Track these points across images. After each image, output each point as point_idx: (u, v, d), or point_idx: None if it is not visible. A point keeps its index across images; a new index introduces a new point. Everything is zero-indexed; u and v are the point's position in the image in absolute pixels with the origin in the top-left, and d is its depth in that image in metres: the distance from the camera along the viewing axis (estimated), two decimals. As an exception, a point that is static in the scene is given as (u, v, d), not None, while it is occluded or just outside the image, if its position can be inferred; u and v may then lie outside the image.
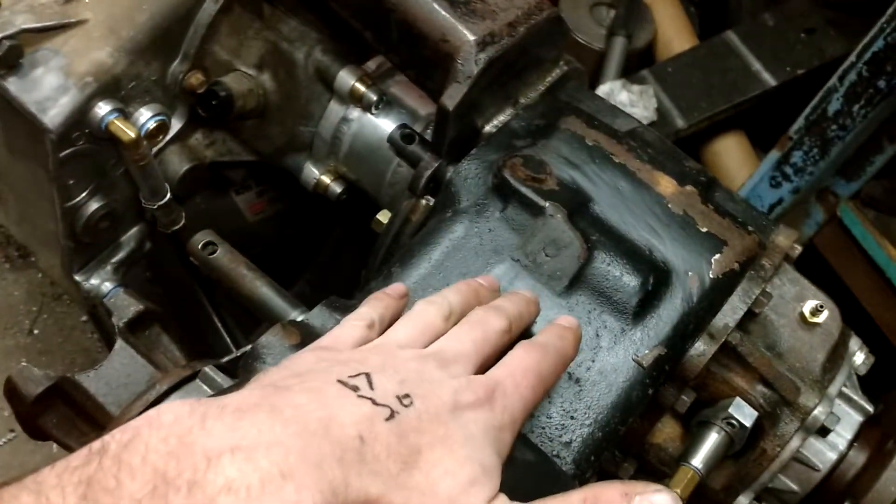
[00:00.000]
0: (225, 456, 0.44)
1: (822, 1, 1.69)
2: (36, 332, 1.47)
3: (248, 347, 1.06)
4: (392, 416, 0.51)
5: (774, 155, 1.35)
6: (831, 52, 1.63)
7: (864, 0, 1.59)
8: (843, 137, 1.23)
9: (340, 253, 1.14)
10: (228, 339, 1.10)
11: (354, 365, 0.55)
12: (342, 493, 0.46)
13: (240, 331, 1.15)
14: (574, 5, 1.81)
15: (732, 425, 0.80)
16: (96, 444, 0.45)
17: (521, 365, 0.61)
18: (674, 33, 1.78)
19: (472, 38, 0.78)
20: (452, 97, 0.79)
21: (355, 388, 0.52)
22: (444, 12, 0.79)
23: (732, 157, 1.65)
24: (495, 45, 0.79)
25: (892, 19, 1.11)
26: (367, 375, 0.53)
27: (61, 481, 0.43)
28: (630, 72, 1.75)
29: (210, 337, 1.11)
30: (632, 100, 1.64)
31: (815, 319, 0.84)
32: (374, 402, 0.51)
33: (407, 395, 0.53)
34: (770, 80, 1.63)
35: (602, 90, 1.65)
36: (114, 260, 1.05)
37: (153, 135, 0.97)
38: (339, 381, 0.52)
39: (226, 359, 1.01)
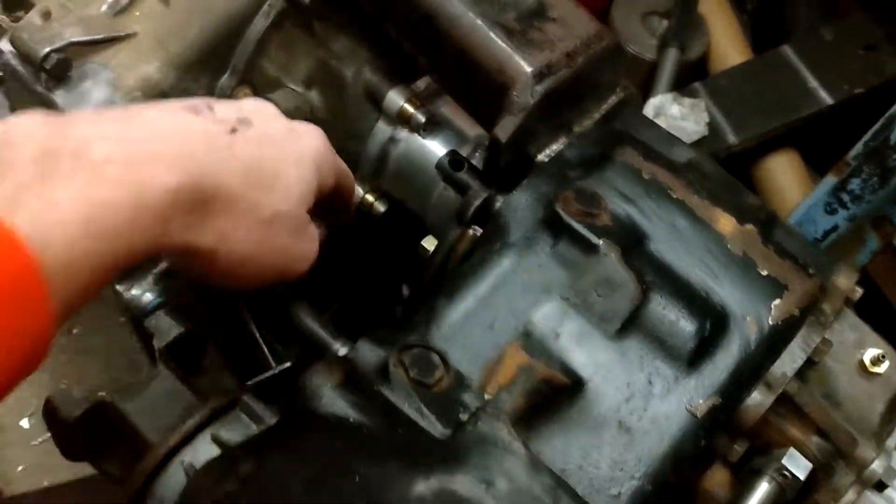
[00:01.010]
0: (97, 141, 0.53)
1: (883, 16, 1.63)
2: (75, 331, 1.48)
3: (286, 365, 1.05)
4: (234, 130, 0.62)
5: (831, 180, 1.30)
6: (892, 70, 1.58)
7: (929, 17, 1.54)
8: (905, 167, 1.19)
9: (379, 273, 1.12)
10: (269, 356, 1.09)
11: (195, 100, 0.63)
12: (202, 181, 0.57)
13: (281, 345, 1.14)
14: (626, 14, 1.77)
15: (785, 476, 0.77)
16: None
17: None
18: (728, 45, 1.74)
19: (528, 69, 0.75)
20: (506, 129, 0.76)
21: (198, 111, 0.61)
22: (500, 42, 0.76)
23: (785, 176, 1.60)
24: (552, 76, 0.76)
25: (965, 47, 1.06)
26: (209, 105, 0.63)
27: None
28: (682, 84, 1.70)
29: (252, 352, 1.10)
30: (683, 113, 1.60)
31: (875, 369, 0.80)
32: (216, 121, 0.61)
33: (245, 119, 0.63)
34: (827, 98, 1.58)
35: (652, 103, 1.61)
36: (155, 271, 1.04)
37: (199, 149, 0.95)
38: (183, 108, 0.61)
39: (261, 377, 1.00)
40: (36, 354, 0.50)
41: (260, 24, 0.93)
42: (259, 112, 0.67)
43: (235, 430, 0.74)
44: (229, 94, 0.95)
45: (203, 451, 0.74)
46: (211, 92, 0.94)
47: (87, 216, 0.51)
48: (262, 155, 0.63)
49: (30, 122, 0.52)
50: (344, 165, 0.75)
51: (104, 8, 0.89)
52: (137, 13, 0.91)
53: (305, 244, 0.70)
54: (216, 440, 0.74)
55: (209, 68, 0.93)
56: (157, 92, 0.89)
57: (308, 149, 0.68)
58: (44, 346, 0.50)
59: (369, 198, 1.04)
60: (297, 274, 0.70)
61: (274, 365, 1.10)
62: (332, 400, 0.67)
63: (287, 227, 0.66)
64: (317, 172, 0.69)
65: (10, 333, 0.48)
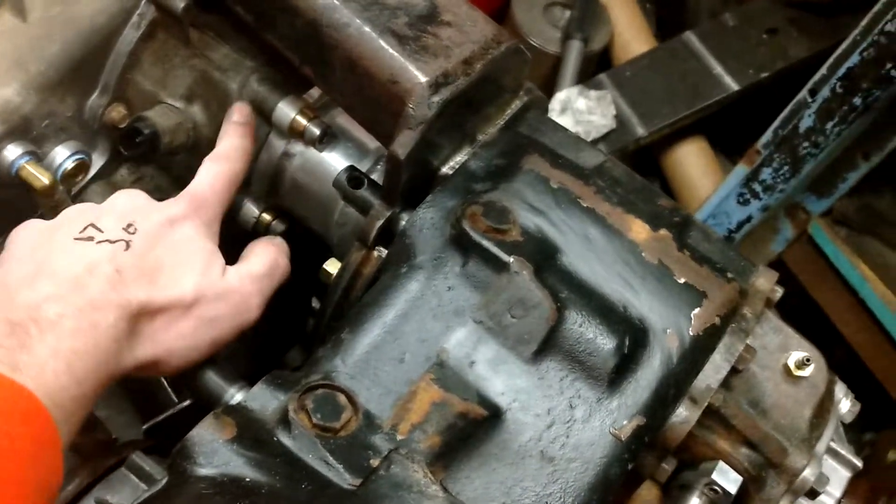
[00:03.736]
0: (44, 303, 0.61)
1: (784, 0, 1.64)
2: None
3: (186, 403, 0.98)
4: (128, 245, 0.68)
5: (742, 170, 1.29)
6: (795, 53, 1.59)
7: (827, 0, 1.55)
8: (815, 155, 1.18)
9: (282, 292, 1.05)
10: (171, 393, 1.01)
11: (78, 220, 0.69)
12: (128, 305, 0.65)
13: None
14: (528, 6, 1.74)
15: (716, 491, 0.74)
16: None
17: (210, 175, 0.78)
18: (632, 35, 1.72)
19: (423, 79, 0.70)
20: (404, 145, 0.71)
21: (91, 238, 0.67)
22: (391, 50, 0.70)
23: (694, 165, 1.59)
24: (450, 85, 0.71)
25: (867, 33, 1.05)
26: (93, 224, 0.69)
27: None
28: (587, 76, 1.68)
29: (154, 389, 1.02)
30: (590, 107, 1.58)
31: (800, 373, 0.78)
32: (110, 242, 0.67)
33: (130, 224, 0.69)
34: (732, 84, 1.57)
35: (559, 98, 1.58)
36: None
37: (72, 175, 0.87)
38: (76, 239, 0.67)
39: (158, 418, 0.93)
40: (57, 487, 0.59)
41: (130, 35, 0.85)
42: (134, 208, 0.71)
43: (122, 492, 0.67)
44: (101, 114, 0.87)
45: (87, 518, 0.66)
46: (80, 113, 0.86)
47: (67, 366, 0.59)
48: (157, 253, 0.69)
49: None
50: (215, 176, 0.79)
51: (-49, 26, 0.80)
52: (-10, 31, 0.82)
53: (238, 297, 0.73)
54: (101, 505, 0.67)
55: (76, 87, 0.84)
56: (17, 116, 0.80)
57: (186, 222, 0.72)
58: (60, 479, 0.59)
59: (266, 217, 0.96)
60: (250, 322, 0.74)
61: (175, 402, 1.02)
62: (225, 458, 0.60)
63: (210, 298, 0.70)
64: (207, 230, 0.74)
65: (45, 478, 0.56)
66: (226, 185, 0.79)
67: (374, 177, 0.84)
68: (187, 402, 0.99)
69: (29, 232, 0.71)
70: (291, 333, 1.13)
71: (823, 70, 1.17)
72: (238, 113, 0.84)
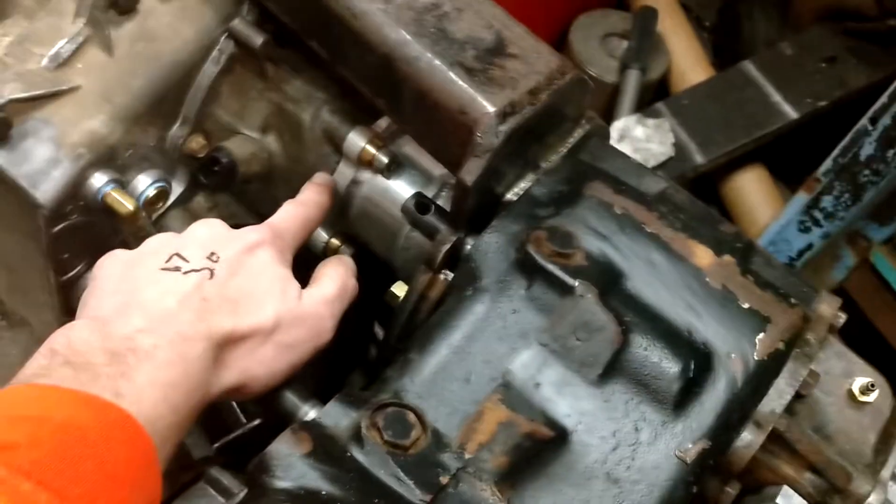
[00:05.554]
0: (138, 335, 0.64)
1: (841, 28, 1.64)
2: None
3: (255, 422, 1.00)
4: (212, 274, 0.70)
5: (802, 198, 1.29)
6: (854, 82, 1.58)
7: (885, 28, 1.54)
8: (876, 183, 1.17)
9: (351, 316, 1.08)
10: (239, 413, 1.04)
11: (162, 251, 0.72)
12: (215, 335, 0.67)
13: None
14: (585, 37, 1.76)
15: (780, 516, 0.75)
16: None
17: (289, 214, 0.83)
18: (689, 64, 1.73)
19: (491, 109, 0.72)
20: (472, 172, 0.73)
21: (177, 269, 0.70)
22: (461, 82, 0.73)
23: (754, 192, 1.59)
24: (516, 115, 0.73)
25: (928, 61, 1.05)
26: (177, 254, 0.71)
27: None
28: (644, 105, 1.69)
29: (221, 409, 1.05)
30: (647, 135, 1.59)
31: (865, 398, 0.78)
32: (196, 271, 0.70)
33: (213, 253, 0.72)
34: (791, 112, 1.57)
35: (617, 126, 1.60)
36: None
37: (153, 202, 0.91)
38: (163, 269, 0.70)
39: (230, 437, 0.95)
40: None
41: (210, 70, 0.89)
42: (214, 237, 0.74)
43: (201, 506, 0.70)
44: (181, 144, 0.91)
45: (168, 529, 0.69)
46: (162, 143, 0.90)
47: (164, 395, 0.62)
48: (239, 282, 0.71)
49: (80, 332, 0.64)
50: (293, 216, 0.83)
51: (45, 62, 0.85)
52: (80, 65, 0.86)
53: (314, 321, 0.75)
54: (181, 517, 0.70)
55: (158, 119, 0.89)
56: (103, 147, 0.85)
57: (264, 247, 0.75)
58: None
59: (335, 241, 1.00)
60: (324, 344, 0.77)
61: (244, 422, 1.05)
62: (302, 471, 0.63)
63: (288, 324, 0.72)
64: (281, 258, 0.76)
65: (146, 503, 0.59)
66: (301, 225, 0.83)
67: (439, 203, 0.87)
68: (257, 422, 1.02)
69: (114, 262, 0.74)
70: (355, 354, 1.15)
71: (884, 98, 1.17)
72: (320, 177, 0.90)
